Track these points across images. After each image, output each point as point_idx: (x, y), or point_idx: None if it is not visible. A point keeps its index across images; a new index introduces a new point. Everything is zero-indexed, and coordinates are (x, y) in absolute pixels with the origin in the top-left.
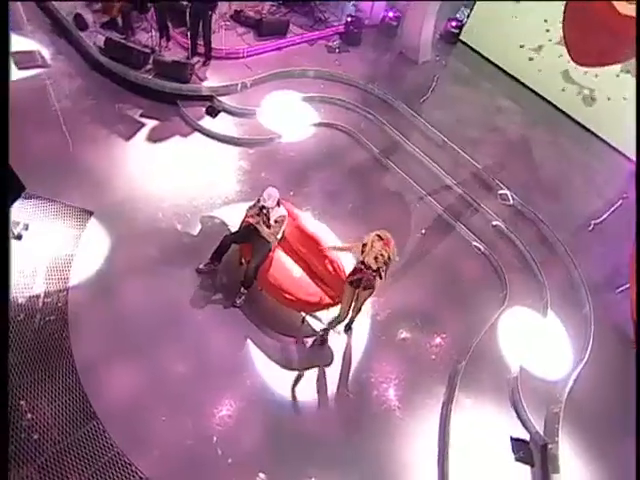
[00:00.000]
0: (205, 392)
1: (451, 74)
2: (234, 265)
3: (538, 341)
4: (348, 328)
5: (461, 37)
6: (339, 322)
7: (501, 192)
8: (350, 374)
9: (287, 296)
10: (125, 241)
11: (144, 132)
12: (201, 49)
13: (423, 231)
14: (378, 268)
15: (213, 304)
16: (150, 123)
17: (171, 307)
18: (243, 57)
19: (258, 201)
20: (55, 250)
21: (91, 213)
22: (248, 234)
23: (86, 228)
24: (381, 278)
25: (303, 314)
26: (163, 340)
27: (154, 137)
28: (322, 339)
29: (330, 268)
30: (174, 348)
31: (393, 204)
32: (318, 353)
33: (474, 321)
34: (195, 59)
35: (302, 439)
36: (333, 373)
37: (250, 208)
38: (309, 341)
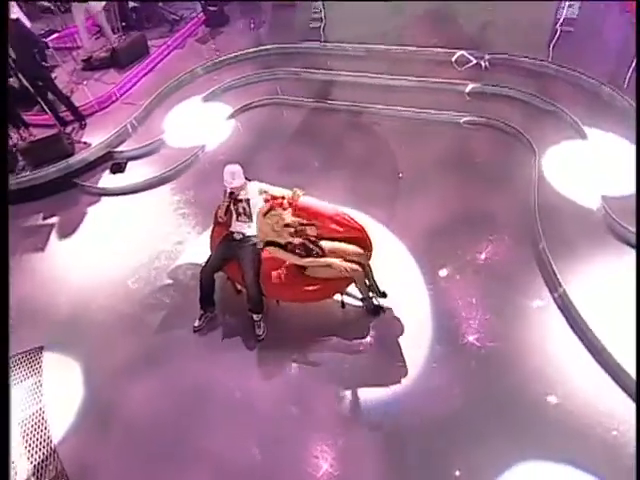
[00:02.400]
0: (295, 453)
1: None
2: (232, 298)
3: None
4: (382, 294)
5: None
6: (367, 288)
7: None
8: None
9: (309, 289)
10: (96, 353)
11: (56, 233)
12: (69, 116)
13: (400, 175)
14: (300, 238)
15: (236, 354)
16: (57, 220)
17: (193, 390)
18: (118, 99)
19: (224, 194)
20: (21, 416)
21: (41, 348)
22: (225, 250)
23: (43, 368)
24: (313, 244)
25: (339, 298)
26: (206, 429)
27: (69, 230)
28: (374, 308)
29: (344, 228)
30: (223, 432)
31: (361, 139)
32: (385, 328)
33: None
34: (69, 127)
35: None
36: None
37: (219, 208)
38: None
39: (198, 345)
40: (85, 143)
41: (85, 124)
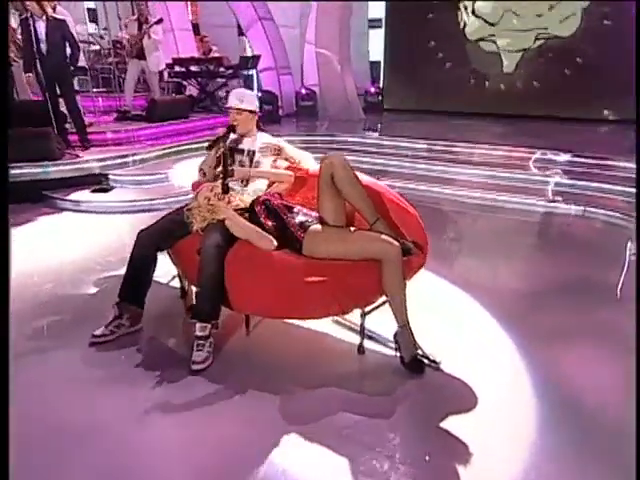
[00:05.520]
0: None
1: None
2: (171, 302)
3: None
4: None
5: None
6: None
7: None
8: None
9: (309, 281)
10: None
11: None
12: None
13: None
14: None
15: (149, 390)
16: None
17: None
18: (135, 140)
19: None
20: None
21: None
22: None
23: None
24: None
25: (357, 339)
26: None
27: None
28: (414, 359)
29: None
30: None
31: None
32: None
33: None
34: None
35: None
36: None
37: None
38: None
39: (89, 368)
40: (77, 155)
41: (88, 147)
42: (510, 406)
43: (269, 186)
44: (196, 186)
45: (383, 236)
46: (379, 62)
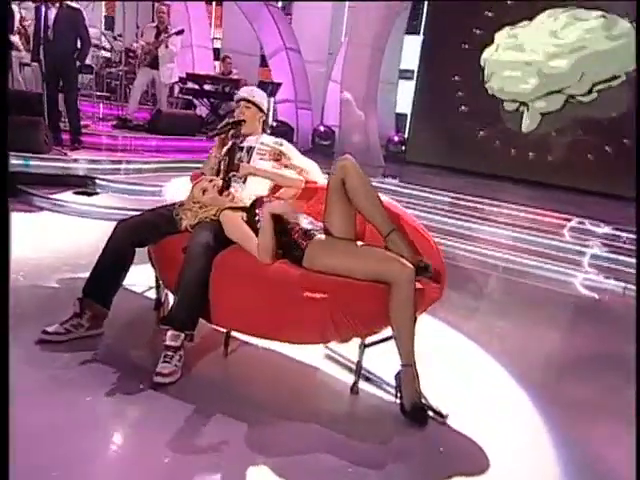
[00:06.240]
0: None
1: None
2: (143, 313)
3: None
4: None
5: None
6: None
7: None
8: None
9: (308, 297)
10: None
11: None
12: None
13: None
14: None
15: (103, 405)
16: None
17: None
18: (133, 150)
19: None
20: None
21: None
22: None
23: None
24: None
25: (352, 378)
26: None
27: None
28: (415, 406)
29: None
30: None
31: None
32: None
33: None
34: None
35: None
36: None
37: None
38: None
39: (31, 368)
40: (65, 153)
41: (78, 147)
42: (525, 473)
43: (273, 191)
44: (196, 176)
45: (394, 255)
46: (405, 115)
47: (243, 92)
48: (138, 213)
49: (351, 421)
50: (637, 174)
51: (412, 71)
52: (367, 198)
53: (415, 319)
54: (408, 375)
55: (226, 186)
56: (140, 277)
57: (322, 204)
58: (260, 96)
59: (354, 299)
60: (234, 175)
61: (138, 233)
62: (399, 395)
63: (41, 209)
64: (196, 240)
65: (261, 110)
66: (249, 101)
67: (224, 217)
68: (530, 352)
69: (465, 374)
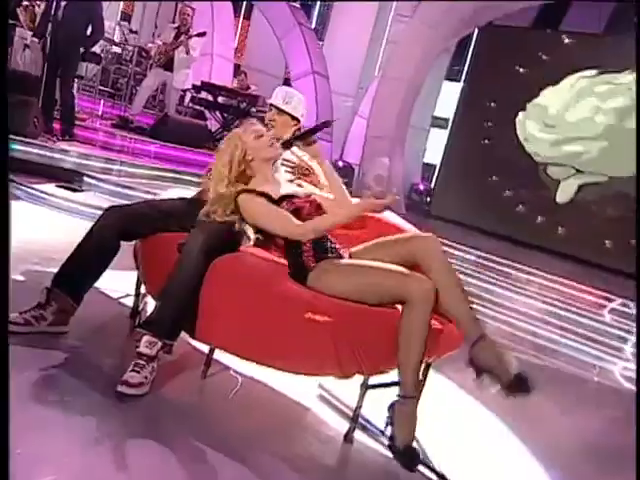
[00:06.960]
0: None
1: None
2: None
3: None
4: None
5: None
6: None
7: None
8: None
9: (309, 318)
10: None
11: None
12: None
13: None
14: None
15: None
16: None
17: None
18: (130, 152)
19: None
20: None
21: None
22: (179, 208)
23: None
24: None
25: (347, 424)
26: None
27: None
28: (406, 450)
29: None
30: None
31: None
32: None
33: None
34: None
35: None
36: None
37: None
38: None
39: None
40: (54, 141)
41: (70, 138)
42: None
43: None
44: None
45: (410, 272)
46: (433, 165)
47: (276, 96)
48: (132, 203)
49: (341, 468)
50: (637, 169)
51: (446, 119)
52: (453, 295)
53: (426, 345)
54: (407, 408)
55: (288, 144)
56: (118, 283)
57: (370, 235)
58: (295, 103)
59: (363, 326)
60: (298, 145)
61: (129, 222)
62: (389, 429)
63: (18, 198)
64: (195, 240)
65: (295, 118)
66: (281, 110)
67: (244, 198)
68: (551, 431)
69: (478, 441)
